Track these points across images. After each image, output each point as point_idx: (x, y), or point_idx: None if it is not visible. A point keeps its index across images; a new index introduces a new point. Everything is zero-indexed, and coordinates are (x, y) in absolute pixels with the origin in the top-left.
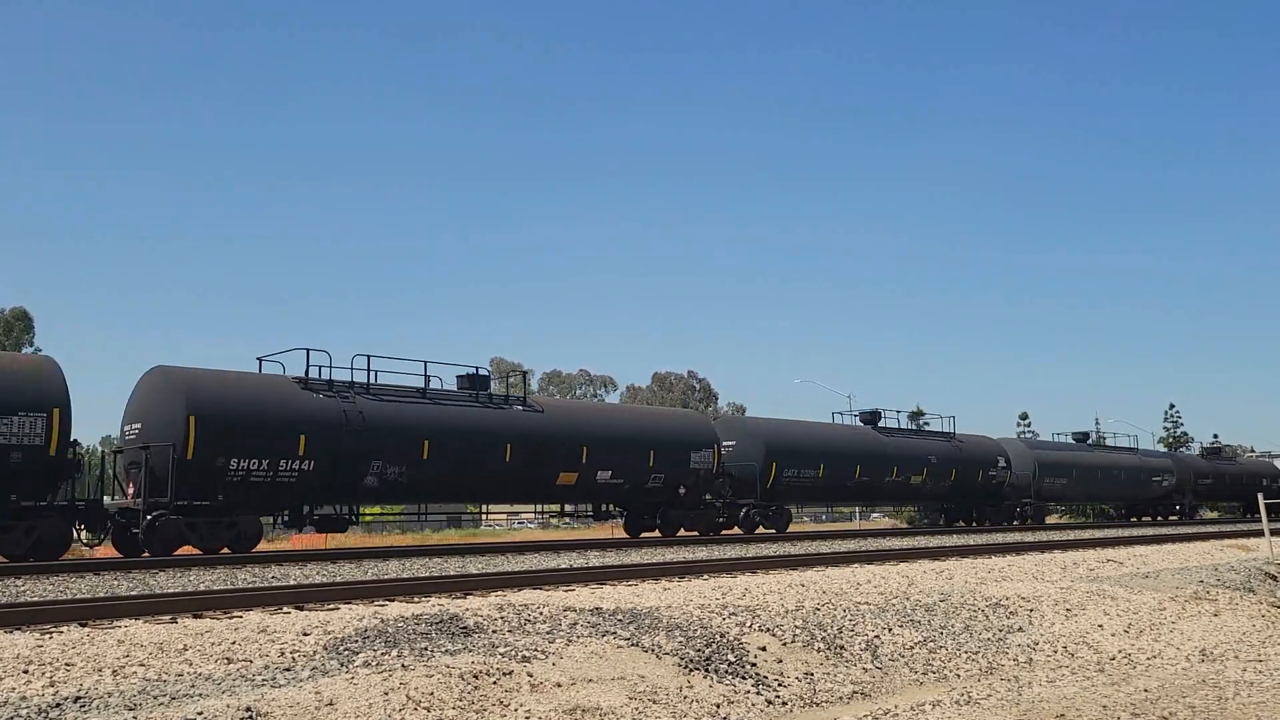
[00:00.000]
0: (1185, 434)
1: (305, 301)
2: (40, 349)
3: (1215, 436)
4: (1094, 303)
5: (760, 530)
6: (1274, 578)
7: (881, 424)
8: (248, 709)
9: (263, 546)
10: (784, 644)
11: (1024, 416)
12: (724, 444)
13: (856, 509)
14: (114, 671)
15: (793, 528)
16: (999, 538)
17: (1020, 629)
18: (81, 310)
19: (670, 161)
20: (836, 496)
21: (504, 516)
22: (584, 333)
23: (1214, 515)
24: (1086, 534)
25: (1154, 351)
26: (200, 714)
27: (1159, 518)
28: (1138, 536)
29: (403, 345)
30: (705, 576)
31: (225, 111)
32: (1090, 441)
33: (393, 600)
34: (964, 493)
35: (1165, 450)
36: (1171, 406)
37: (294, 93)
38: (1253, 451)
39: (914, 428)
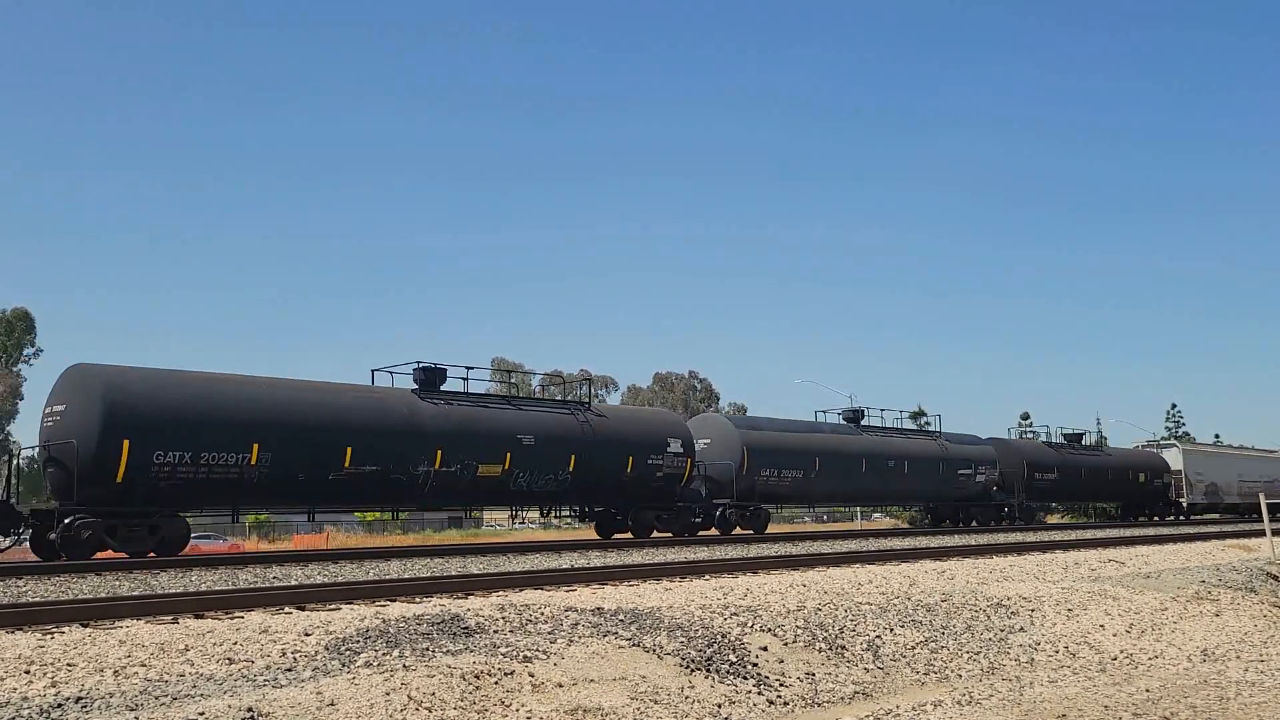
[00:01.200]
0: (1187, 434)
1: (305, 301)
2: (41, 349)
3: (1217, 436)
4: (1095, 302)
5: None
6: (1276, 578)
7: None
8: (249, 709)
9: (263, 546)
10: (785, 644)
11: (1025, 417)
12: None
13: (859, 509)
14: (115, 672)
15: (785, 529)
16: (1000, 538)
17: (1022, 629)
18: (82, 310)
19: (670, 161)
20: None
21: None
22: (585, 333)
23: (1067, 519)
24: (1088, 534)
25: (1156, 351)
26: (202, 714)
27: (974, 523)
28: (1139, 537)
29: (403, 345)
30: (707, 577)
31: (225, 111)
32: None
33: (394, 600)
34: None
35: (985, 437)
36: (1173, 406)
37: (294, 93)
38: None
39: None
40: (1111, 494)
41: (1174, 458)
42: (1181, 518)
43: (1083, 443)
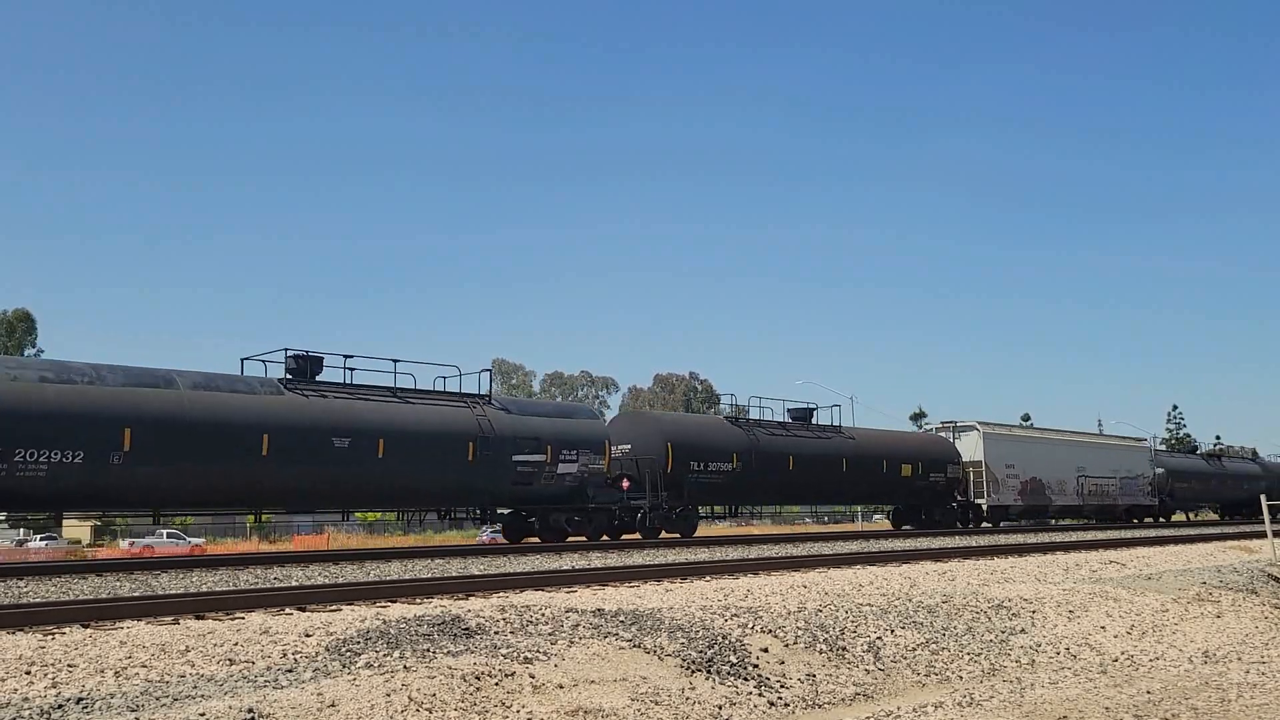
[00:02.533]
0: (1188, 435)
1: (306, 301)
2: (42, 350)
3: (1218, 438)
4: (1096, 302)
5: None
6: (1277, 579)
7: (815, 421)
8: (250, 710)
9: (263, 547)
10: (786, 645)
11: (1026, 418)
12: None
13: (860, 509)
14: (116, 673)
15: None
16: (1000, 539)
17: (1023, 630)
18: (83, 311)
19: (670, 161)
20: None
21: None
22: (586, 334)
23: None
24: (1089, 535)
25: (1157, 352)
26: (202, 715)
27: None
28: (1140, 538)
29: (403, 346)
30: (708, 578)
31: (225, 111)
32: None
33: (395, 601)
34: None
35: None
36: (1174, 408)
37: (293, 92)
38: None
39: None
40: (854, 491)
41: (971, 444)
42: (988, 524)
43: (813, 420)
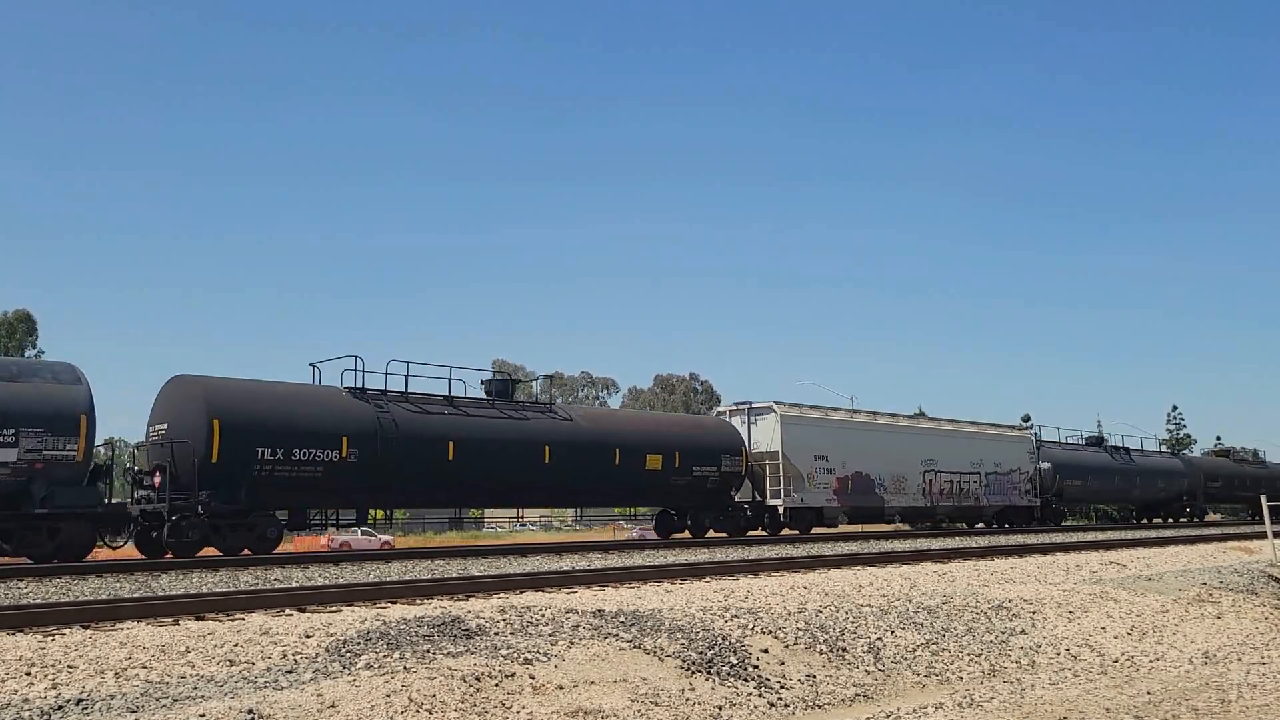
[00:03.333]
0: (1188, 436)
1: (306, 301)
2: (43, 351)
3: (1218, 439)
4: (1097, 303)
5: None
6: (1277, 580)
7: (517, 397)
8: (250, 711)
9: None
10: (786, 646)
11: (1026, 419)
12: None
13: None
14: (116, 674)
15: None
16: (1001, 540)
17: (1023, 631)
18: (83, 311)
19: (671, 161)
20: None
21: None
22: (586, 334)
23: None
24: (1090, 536)
25: (1158, 353)
26: (203, 716)
27: None
28: (1141, 539)
29: (403, 345)
30: (708, 579)
31: (226, 111)
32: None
33: (395, 602)
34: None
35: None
36: (1174, 408)
37: (293, 92)
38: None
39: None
40: (569, 490)
41: (768, 430)
42: (794, 532)
43: (514, 396)
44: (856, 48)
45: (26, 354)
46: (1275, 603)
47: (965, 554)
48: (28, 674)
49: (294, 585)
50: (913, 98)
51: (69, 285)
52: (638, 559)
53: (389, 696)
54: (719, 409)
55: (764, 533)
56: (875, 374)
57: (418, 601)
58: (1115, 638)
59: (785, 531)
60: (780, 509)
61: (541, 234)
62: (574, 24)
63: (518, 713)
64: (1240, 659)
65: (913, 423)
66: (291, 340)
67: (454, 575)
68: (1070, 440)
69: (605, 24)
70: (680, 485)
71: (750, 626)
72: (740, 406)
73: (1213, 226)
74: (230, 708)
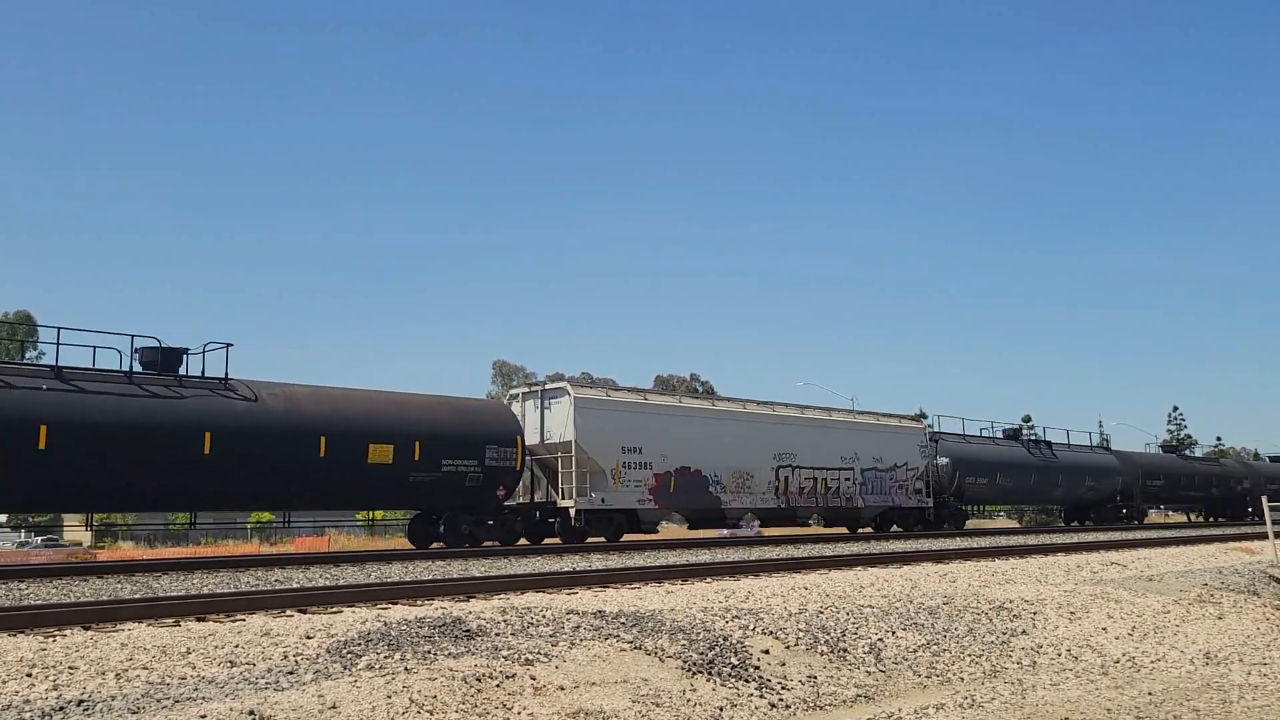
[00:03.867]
0: (1189, 436)
1: (306, 301)
2: (44, 353)
3: (1219, 439)
4: (1097, 304)
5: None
6: (1278, 581)
7: (186, 371)
8: (251, 712)
9: (265, 549)
10: (787, 647)
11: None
12: None
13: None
14: (117, 675)
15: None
16: (1002, 541)
17: (1024, 632)
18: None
19: (671, 161)
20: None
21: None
22: (586, 334)
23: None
24: (1090, 537)
25: (1159, 353)
26: (203, 717)
27: None
28: (1142, 539)
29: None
30: (708, 580)
31: (226, 111)
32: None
33: (396, 603)
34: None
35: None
36: (1175, 409)
37: (293, 92)
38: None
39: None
40: (237, 490)
41: (561, 416)
42: (599, 539)
43: (182, 371)
44: (856, 48)
45: (27, 355)
46: (1276, 603)
47: (966, 555)
48: (29, 675)
49: (295, 586)
50: (913, 98)
51: (69, 285)
52: (638, 560)
53: (390, 697)
54: (512, 391)
55: (559, 541)
56: (875, 374)
57: (419, 602)
58: (1116, 638)
59: (590, 540)
60: (572, 511)
61: (541, 234)
62: (574, 24)
63: (519, 714)
64: (1241, 660)
65: (761, 409)
66: (292, 340)
67: (455, 576)
68: (984, 433)
69: (605, 24)
70: (425, 483)
71: (751, 627)
72: (534, 388)
73: (1213, 226)
74: (231, 709)
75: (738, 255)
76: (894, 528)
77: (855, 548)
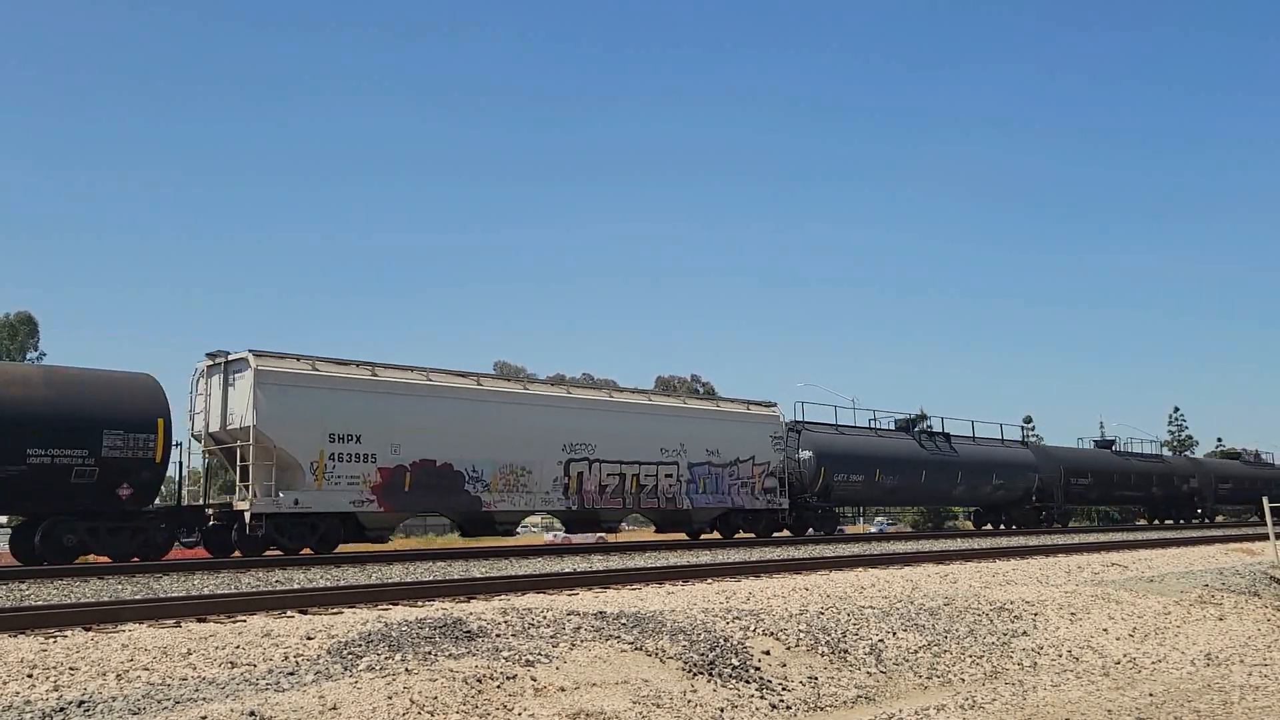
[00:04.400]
0: (1190, 437)
1: (307, 301)
2: (44, 353)
3: (1219, 440)
4: (1098, 304)
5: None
6: (1279, 581)
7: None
8: (251, 713)
9: (267, 551)
10: (788, 648)
11: (1028, 420)
12: None
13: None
14: (118, 675)
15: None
16: (1003, 541)
17: (1025, 633)
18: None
19: (671, 161)
20: None
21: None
22: (586, 334)
23: None
24: (1091, 538)
25: (1159, 354)
26: (204, 718)
27: None
28: (1142, 540)
29: (403, 347)
30: (709, 580)
31: (226, 111)
32: None
33: (396, 604)
34: None
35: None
36: (1176, 410)
37: (293, 92)
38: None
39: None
40: None
41: (243, 393)
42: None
43: None
44: (856, 48)
45: (28, 356)
46: (1277, 604)
47: (967, 555)
48: (30, 676)
49: (295, 587)
50: (913, 98)
51: (69, 285)
52: (639, 561)
53: (391, 698)
54: (197, 362)
55: (239, 554)
56: (875, 374)
57: (419, 603)
58: (1117, 639)
59: (271, 553)
60: (247, 516)
61: (541, 234)
62: (574, 24)
63: (519, 714)
64: (1242, 661)
65: (545, 390)
66: (292, 340)
67: (456, 577)
68: (873, 423)
69: (605, 24)
70: (5, 481)
71: (752, 628)
72: (217, 360)
73: (1213, 226)
74: (232, 709)
75: (738, 255)
76: (739, 534)
77: (855, 548)
